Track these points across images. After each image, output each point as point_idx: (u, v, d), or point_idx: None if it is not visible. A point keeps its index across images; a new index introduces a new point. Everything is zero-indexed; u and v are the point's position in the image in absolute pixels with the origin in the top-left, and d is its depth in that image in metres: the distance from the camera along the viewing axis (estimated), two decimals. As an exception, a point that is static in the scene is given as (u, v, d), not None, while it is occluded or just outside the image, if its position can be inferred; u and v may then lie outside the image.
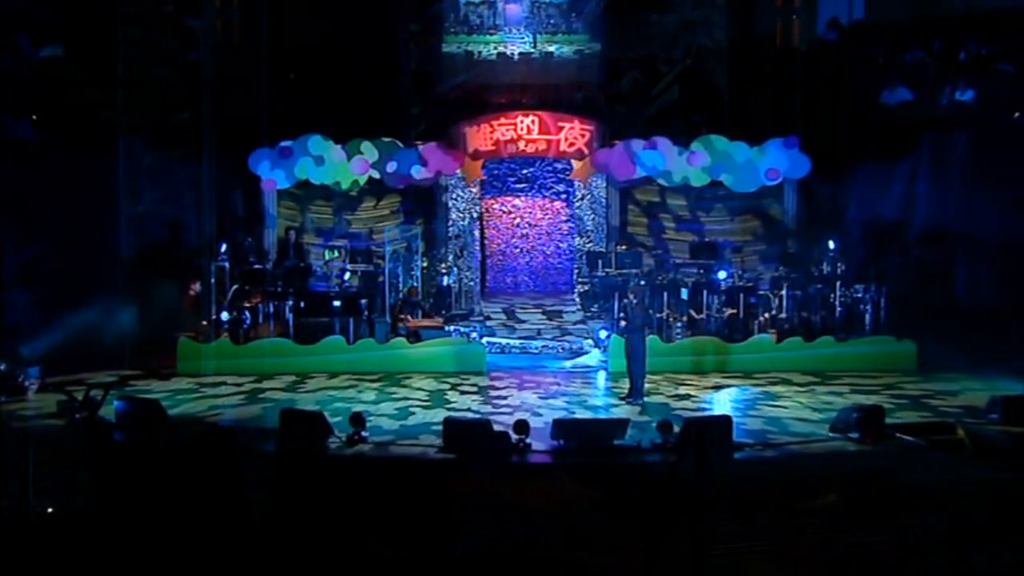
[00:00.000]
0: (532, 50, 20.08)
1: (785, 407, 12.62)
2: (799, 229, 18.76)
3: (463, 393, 13.68)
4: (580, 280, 19.68)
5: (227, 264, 16.53)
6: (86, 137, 16.80)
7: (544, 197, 20.85)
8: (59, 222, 16.60)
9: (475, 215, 19.98)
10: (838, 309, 16.55)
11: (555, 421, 10.49)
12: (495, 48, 20.08)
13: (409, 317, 16.62)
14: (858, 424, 10.52)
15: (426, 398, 13.29)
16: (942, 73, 17.88)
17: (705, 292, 16.79)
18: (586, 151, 18.84)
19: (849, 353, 15.57)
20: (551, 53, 20.07)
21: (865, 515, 9.02)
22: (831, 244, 17.21)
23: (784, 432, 11.12)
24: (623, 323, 14.16)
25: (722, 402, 13.25)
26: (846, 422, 10.76)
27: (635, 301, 13.36)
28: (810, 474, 9.72)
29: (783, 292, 16.63)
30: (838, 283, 16.61)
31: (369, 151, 18.47)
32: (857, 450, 10.19)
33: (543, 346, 17.10)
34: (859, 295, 16.51)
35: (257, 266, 17.18)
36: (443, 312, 17.59)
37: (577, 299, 19.45)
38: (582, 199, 20.02)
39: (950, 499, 9.13)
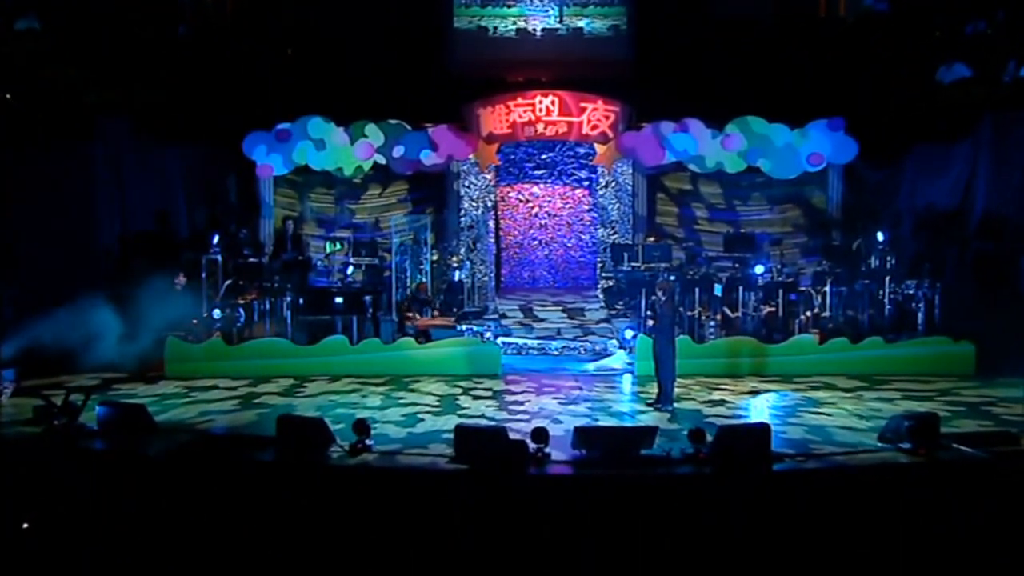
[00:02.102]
0: (558, 25, 19.84)
1: (829, 414, 12.51)
2: (844, 219, 18.65)
3: (476, 398, 13.63)
4: (604, 275, 19.63)
5: (219, 257, 16.54)
6: (64, 119, 16.82)
7: (565, 184, 20.82)
8: (35, 212, 16.64)
9: (489, 204, 19.95)
10: (887, 307, 16.43)
11: (576, 429, 10.41)
12: (514, 23, 19.90)
13: (417, 315, 16.59)
14: (910, 433, 10.39)
15: (436, 403, 13.25)
16: (1005, 47, 17.67)
17: (741, 288, 16.70)
18: (610, 134, 18.78)
19: (900, 355, 15.43)
20: (580, 29, 19.85)
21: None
22: (880, 236, 17.08)
23: (828, 442, 11.01)
24: (651, 322, 14.06)
25: (759, 409, 13.16)
26: (897, 431, 10.64)
27: (664, 298, 13.27)
28: (856, 488, 9.62)
29: (827, 288, 16.51)
30: (887, 279, 16.48)
31: (374, 134, 18.47)
32: (909, 462, 10.07)
33: (563, 347, 17.04)
34: (911, 292, 16.37)
35: (252, 259, 17.17)
36: (454, 310, 17.55)
37: (600, 296, 19.41)
38: (606, 187, 19.96)
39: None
